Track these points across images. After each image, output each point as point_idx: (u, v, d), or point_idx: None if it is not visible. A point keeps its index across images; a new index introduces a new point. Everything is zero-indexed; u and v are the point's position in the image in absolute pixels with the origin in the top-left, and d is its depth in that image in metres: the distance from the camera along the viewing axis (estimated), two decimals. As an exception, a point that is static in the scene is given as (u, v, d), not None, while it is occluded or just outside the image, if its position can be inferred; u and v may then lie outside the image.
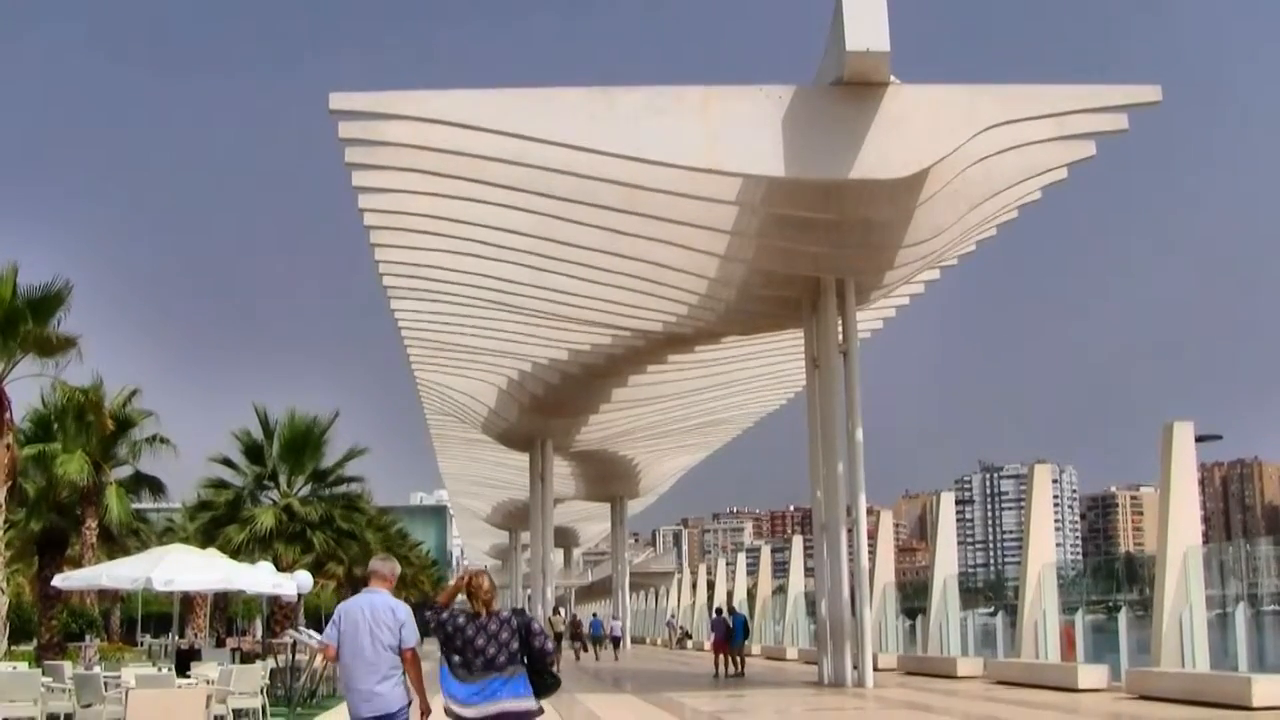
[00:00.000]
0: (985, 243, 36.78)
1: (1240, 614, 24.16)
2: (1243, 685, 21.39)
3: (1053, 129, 28.47)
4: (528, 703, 9.24)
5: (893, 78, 26.08)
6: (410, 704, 10.06)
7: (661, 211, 29.71)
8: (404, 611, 10.18)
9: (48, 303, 29.61)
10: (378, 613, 10.07)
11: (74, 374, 34.46)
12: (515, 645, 9.22)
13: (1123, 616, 28.28)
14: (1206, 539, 27.97)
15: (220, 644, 45.51)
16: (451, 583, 10.23)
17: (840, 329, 32.41)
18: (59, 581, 27.87)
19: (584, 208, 30.18)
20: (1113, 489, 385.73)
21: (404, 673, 10.14)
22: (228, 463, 46.67)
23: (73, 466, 38.89)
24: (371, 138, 28.23)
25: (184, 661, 27.68)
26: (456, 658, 9.22)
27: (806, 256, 31.03)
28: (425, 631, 10.07)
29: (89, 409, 37.99)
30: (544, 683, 9.36)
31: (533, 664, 9.32)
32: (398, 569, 10.71)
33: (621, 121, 26.01)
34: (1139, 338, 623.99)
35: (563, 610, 74.28)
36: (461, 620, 9.25)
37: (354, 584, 60.60)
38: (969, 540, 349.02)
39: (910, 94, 26.47)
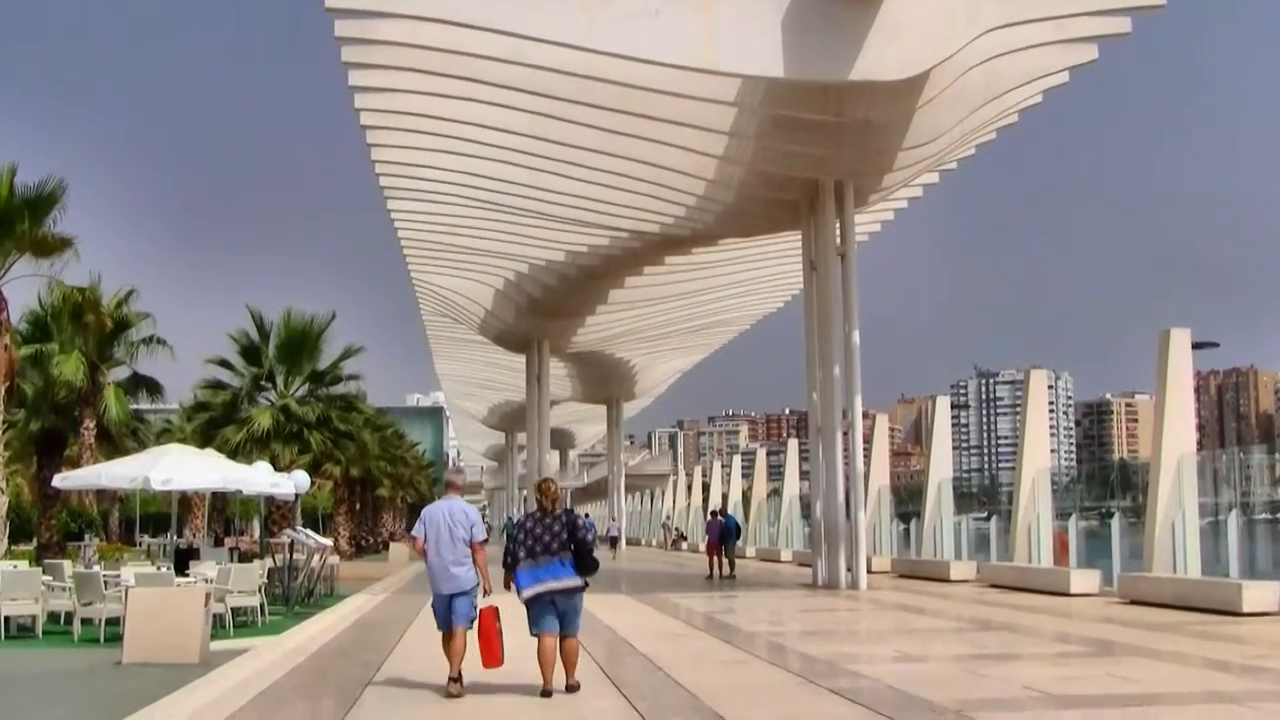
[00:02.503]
0: (984, 147, 36.55)
1: (1232, 521, 24.30)
2: (1233, 591, 21.59)
3: (1054, 32, 28.22)
4: (575, 580, 12.40)
5: (894, -23, 25.71)
6: (478, 584, 12.82)
7: (659, 112, 29.45)
8: (474, 514, 13.25)
9: (43, 202, 29.31)
10: (454, 514, 12.95)
11: (71, 276, 34.27)
12: (565, 536, 12.36)
13: (1115, 522, 28.39)
14: (1201, 447, 27.78)
15: (218, 543, 45.94)
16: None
17: (838, 232, 32.28)
18: (58, 481, 27.95)
19: (581, 108, 29.93)
20: (1108, 396, 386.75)
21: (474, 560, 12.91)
22: (225, 364, 46.59)
23: (69, 367, 38.87)
24: (368, 36, 27.93)
25: (183, 560, 27.86)
26: (523, 551, 12.32)
27: (805, 158, 30.80)
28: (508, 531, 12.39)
29: (86, 308, 37.84)
30: (585, 564, 12.46)
31: (577, 549, 12.40)
32: (467, 477, 12.83)
33: (618, 21, 25.56)
34: (1137, 245, 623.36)
35: None
36: (530, 523, 12.57)
37: (350, 484, 61.00)
38: (964, 445, 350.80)
39: (912, -6, 26.08)
